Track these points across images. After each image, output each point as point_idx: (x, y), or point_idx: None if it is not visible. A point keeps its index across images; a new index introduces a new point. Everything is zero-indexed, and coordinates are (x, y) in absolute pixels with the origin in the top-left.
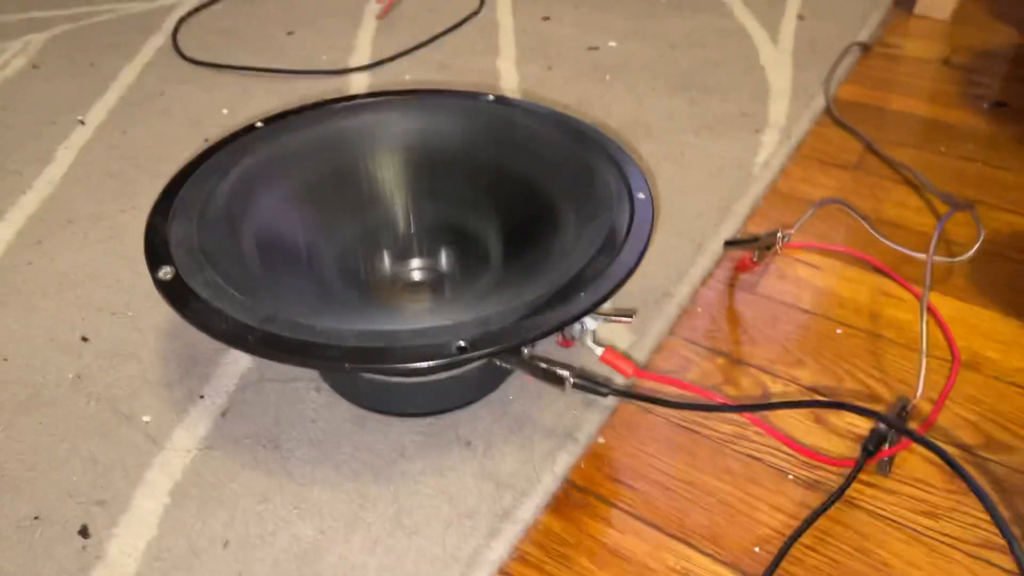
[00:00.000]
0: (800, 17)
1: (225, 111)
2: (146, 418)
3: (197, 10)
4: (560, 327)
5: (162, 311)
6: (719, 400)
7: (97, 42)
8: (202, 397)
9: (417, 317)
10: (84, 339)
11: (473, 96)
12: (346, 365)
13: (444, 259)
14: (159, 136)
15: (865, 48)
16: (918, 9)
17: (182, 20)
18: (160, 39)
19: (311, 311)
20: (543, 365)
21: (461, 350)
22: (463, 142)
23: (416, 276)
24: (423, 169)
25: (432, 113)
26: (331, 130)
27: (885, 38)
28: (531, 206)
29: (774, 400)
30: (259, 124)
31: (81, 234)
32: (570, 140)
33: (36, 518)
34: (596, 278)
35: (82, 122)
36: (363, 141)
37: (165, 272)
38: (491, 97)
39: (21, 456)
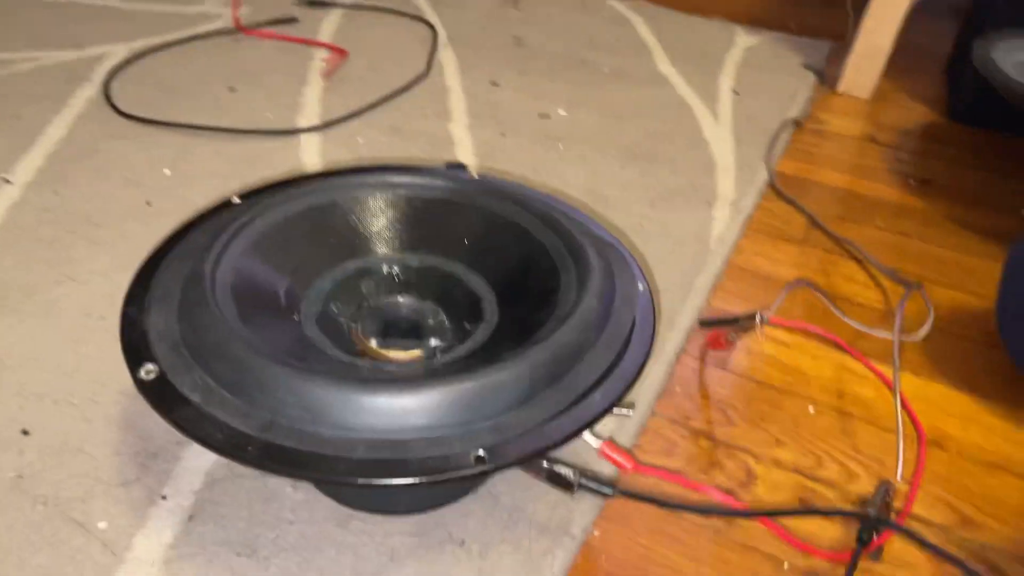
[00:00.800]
0: (735, 92)
1: (167, 171)
2: (102, 524)
3: (128, 62)
4: (577, 433)
5: (111, 399)
6: (725, 500)
7: (21, 93)
8: (164, 498)
9: (427, 410)
10: (25, 432)
11: (456, 169)
12: (359, 480)
13: (436, 312)
14: (95, 198)
15: (797, 124)
16: (841, 87)
17: (114, 72)
18: (90, 90)
19: (311, 413)
20: (547, 466)
21: (479, 460)
22: (449, 206)
23: (405, 327)
24: (411, 221)
25: (419, 178)
26: (315, 201)
27: (815, 114)
28: (525, 263)
29: (760, 486)
30: (235, 199)
31: (13, 309)
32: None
33: None
34: (608, 375)
35: (7, 181)
36: (352, 203)
37: (148, 371)
38: (475, 175)
39: None
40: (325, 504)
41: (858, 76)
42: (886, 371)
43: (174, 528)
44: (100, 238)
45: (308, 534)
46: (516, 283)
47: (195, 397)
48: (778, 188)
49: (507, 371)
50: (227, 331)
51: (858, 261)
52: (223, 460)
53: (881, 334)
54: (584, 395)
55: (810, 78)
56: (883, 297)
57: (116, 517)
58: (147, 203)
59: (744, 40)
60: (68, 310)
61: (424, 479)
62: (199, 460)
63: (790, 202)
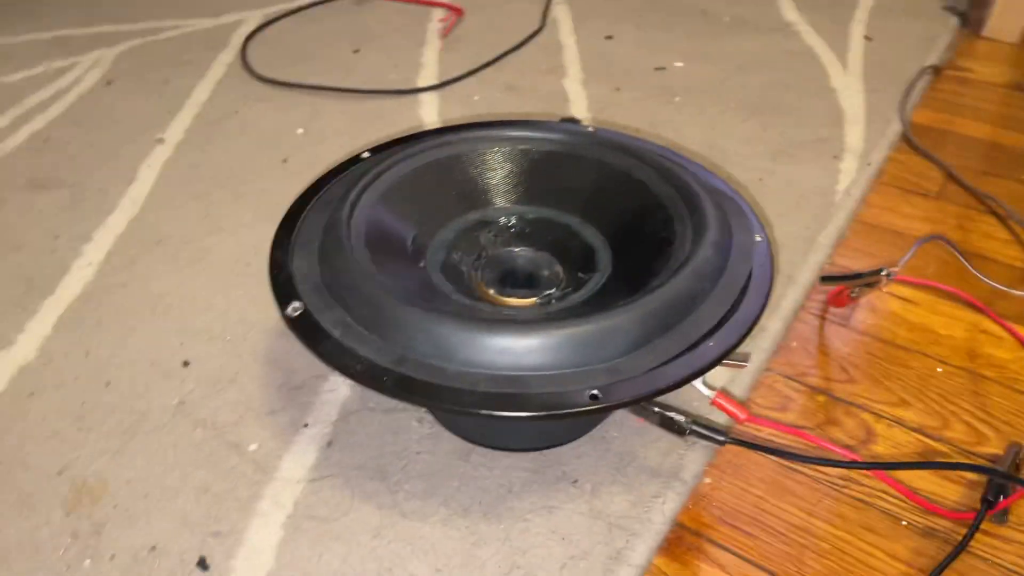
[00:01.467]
0: (867, 38)
1: (300, 131)
2: (252, 446)
3: (262, 27)
4: (690, 379)
5: (258, 336)
6: (847, 456)
7: (167, 59)
8: (306, 426)
9: (545, 350)
10: (185, 364)
11: (572, 123)
12: (481, 411)
13: (551, 262)
14: (238, 156)
15: (936, 71)
16: (986, 31)
17: (249, 37)
18: (229, 56)
19: (438, 350)
20: (658, 410)
21: (594, 399)
22: (564, 159)
23: (522, 276)
24: (528, 174)
25: (534, 132)
26: (438, 155)
27: (955, 61)
28: (640, 215)
29: (881, 445)
30: (366, 154)
31: (171, 256)
32: (676, 170)
33: (153, 549)
34: (722, 325)
35: (161, 141)
36: (473, 156)
37: (294, 308)
38: (590, 128)
39: (132, 484)
40: (449, 439)
41: (1006, 18)
42: None
43: (315, 452)
44: (243, 193)
45: (433, 464)
46: (631, 234)
47: (336, 332)
48: (912, 140)
49: (621, 317)
50: (363, 274)
51: (999, 217)
52: (357, 394)
53: (1020, 293)
54: (697, 343)
55: (952, 21)
56: (1022, 254)
57: (265, 441)
58: (283, 161)
59: None
60: (219, 257)
61: (541, 413)
62: (336, 394)
63: (925, 155)
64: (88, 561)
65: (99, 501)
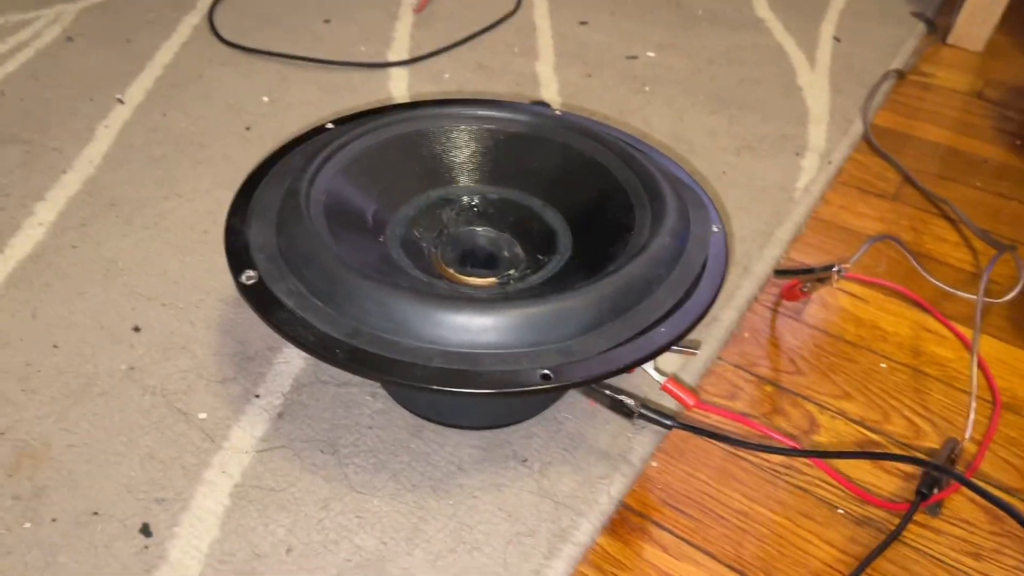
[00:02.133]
0: (836, 39)
1: (265, 99)
2: (202, 415)
3: None
4: (640, 362)
5: (212, 305)
6: (785, 442)
7: (131, 18)
8: (257, 396)
9: (498, 329)
10: (136, 329)
11: (542, 106)
12: (433, 387)
13: (511, 243)
14: (199, 121)
15: (900, 75)
16: (952, 39)
17: (217, 0)
18: (195, 18)
19: (393, 324)
20: (609, 393)
21: (545, 378)
22: (530, 141)
23: (482, 256)
24: (493, 154)
25: (502, 112)
26: (404, 130)
27: (919, 66)
28: (602, 200)
29: (823, 435)
30: (329, 125)
31: (125, 219)
32: (639, 157)
33: (95, 514)
34: (675, 311)
35: (121, 101)
36: (438, 133)
37: (248, 276)
38: (558, 111)
39: (76, 448)
40: (401, 414)
41: (971, 27)
42: (968, 333)
43: (265, 423)
44: (203, 158)
45: (384, 439)
46: (592, 218)
47: (290, 302)
48: (873, 141)
49: (576, 299)
50: (320, 244)
51: (951, 221)
52: (310, 366)
53: (966, 295)
54: (649, 328)
55: (919, 27)
56: (973, 258)
57: (215, 410)
58: (247, 128)
59: None
60: (174, 223)
61: (492, 391)
62: (289, 365)
63: (884, 156)
64: (28, 524)
65: (41, 464)
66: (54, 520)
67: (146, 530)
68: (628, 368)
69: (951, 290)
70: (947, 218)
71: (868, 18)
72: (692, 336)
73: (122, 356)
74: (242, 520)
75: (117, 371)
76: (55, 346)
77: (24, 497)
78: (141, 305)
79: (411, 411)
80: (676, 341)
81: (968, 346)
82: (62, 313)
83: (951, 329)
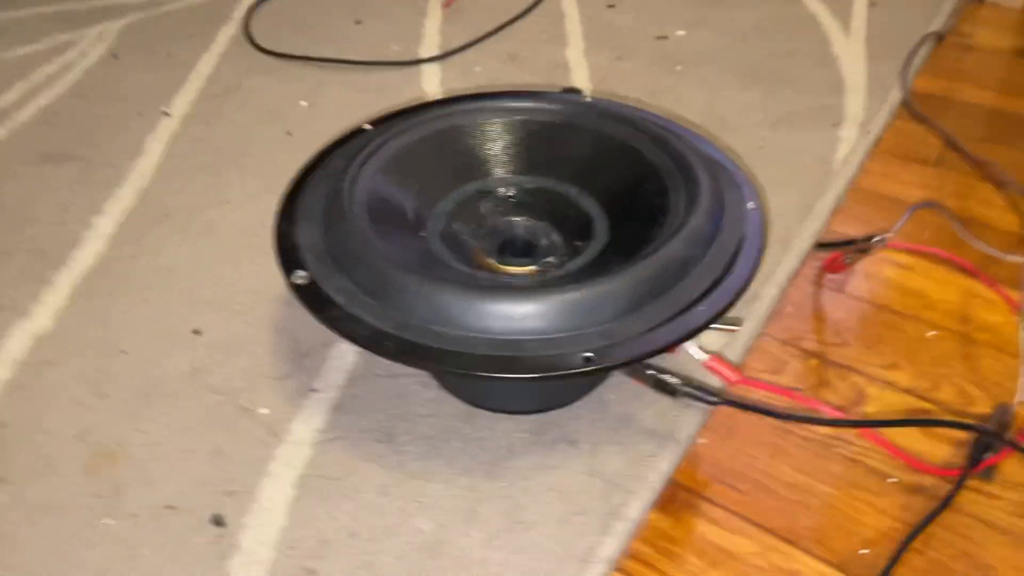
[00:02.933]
0: (872, 4)
1: (303, 103)
2: (264, 410)
3: (264, 0)
4: (680, 341)
5: (265, 305)
6: (832, 414)
7: (171, 32)
8: (314, 391)
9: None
10: (196, 332)
11: (573, 93)
12: (480, 373)
13: (549, 231)
14: (242, 129)
15: (939, 38)
16: None
17: (252, 9)
18: (232, 29)
19: (439, 316)
20: (652, 372)
21: (587, 361)
22: (562, 129)
23: (520, 245)
24: (526, 144)
25: (533, 103)
26: (438, 127)
27: (958, 27)
28: (636, 184)
29: (871, 406)
30: (367, 126)
31: (179, 228)
32: (671, 139)
33: (171, 507)
34: (712, 290)
35: (167, 114)
36: (472, 127)
37: (299, 276)
38: (588, 98)
39: (149, 447)
40: (451, 402)
41: None
42: (1018, 297)
43: (323, 416)
44: (248, 165)
45: (437, 427)
46: (627, 203)
47: (340, 299)
48: (913, 107)
49: (614, 282)
50: (365, 243)
51: (998, 184)
52: (363, 360)
53: (1014, 258)
54: (688, 308)
55: None
56: (1021, 221)
57: (276, 405)
58: (287, 133)
59: None
60: (225, 229)
61: (536, 375)
62: (342, 360)
63: (925, 121)
64: (110, 520)
65: (117, 464)
66: (132, 515)
67: (218, 521)
68: (667, 348)
69: (999, 254)
70: (993, 181)
71: None
72: (733, 313)
73: (186, 358)
74: (307, 508)
75: (182, 373)
76: (123, 352)
77: (104, 495)
78: (200, 309)
79: (461, 399)
80: (714, 320)
81: (1018, 310)
82: (127, 320)
83: (1000, 294)
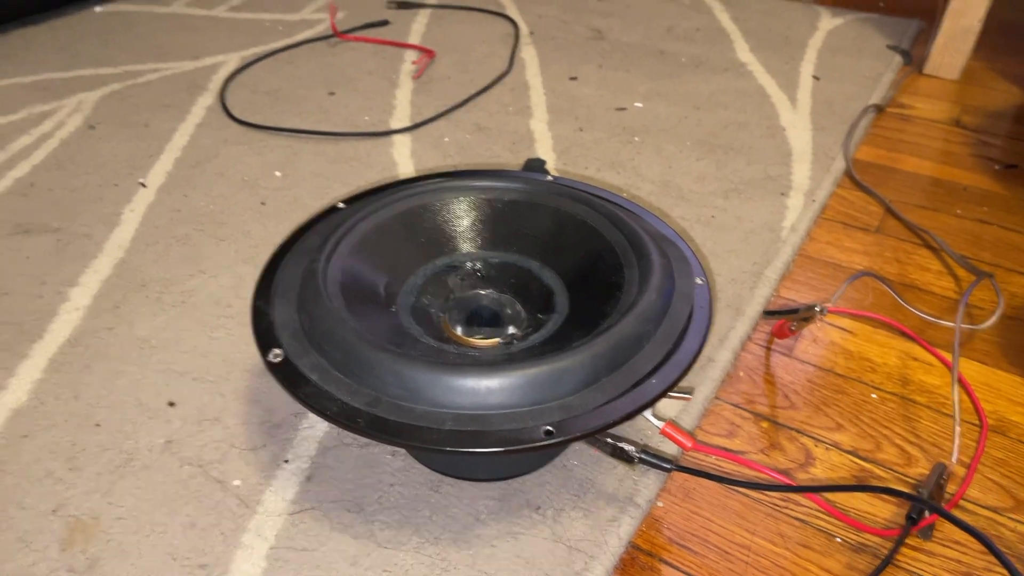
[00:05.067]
0: (815, 78)
1: (278, 174)
2: (236, 482)
3: (240, 70)
4: (635, 414)
5: (239, 375)
6: (782, 480)
7: (148, 102)
8: (286, 462)
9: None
10: (171, 404)
11: (535, 164)
12: (447, 448)
13: (513, 303)
14: (218, 199)
15: (879, 109)
16: (928, 69)
17: (228, 80)
18: (208, 99)
19: (408, 391)
20: (610, 441)
21: (548, 434)
22: (525, 207)
23: (486, 317)
24: (491, 221)
25: (497, 182)
26: (408, 205)
27: (897, 98)
28: (594, 260)
29: (819, 467)
30: (340, 205)
31: (155, 299)
32: (628, 219)
33: None
34: (665, 362)
35: (143, 184)
36: (440, 206)
37: (275, 355)
38: (549, 176)
39: (123, 520)
40: (420, 471)
41: (946, 56)
42: (952, 360)
43: (295, 487)
44: (224, 235)
45: (406, 495)
46: (585, 278)
47: (314, 376)
48: (855, 176)
49: (573, 358)
50: (338, 321)
51: (933, 250)
52: (334, 431)
53: (948, 323)
54: (642, 380)
55: (895, 60)
56: (956, 286)
57: (248, 476)
58: (262, 203)
59: (828, 22)
60: (201, 300)
61: (500, 449)
62: (314, 430)
63: (866, 190)
64: None
65: (92, 538)
66: None
67: None
68: (623, 420)
69: (934, 319)
70: (929, 247)
71: (846, 54)
72: (687, 382)
73: (160, 430)
74: None
75: (156, 445)
76: (97, 424)
77: (78, 570)
78: (175, 381)
79: (429, 467)
80: (667, 391)
81: (951, 372)
82: (102, 393)
83: (937, 356)
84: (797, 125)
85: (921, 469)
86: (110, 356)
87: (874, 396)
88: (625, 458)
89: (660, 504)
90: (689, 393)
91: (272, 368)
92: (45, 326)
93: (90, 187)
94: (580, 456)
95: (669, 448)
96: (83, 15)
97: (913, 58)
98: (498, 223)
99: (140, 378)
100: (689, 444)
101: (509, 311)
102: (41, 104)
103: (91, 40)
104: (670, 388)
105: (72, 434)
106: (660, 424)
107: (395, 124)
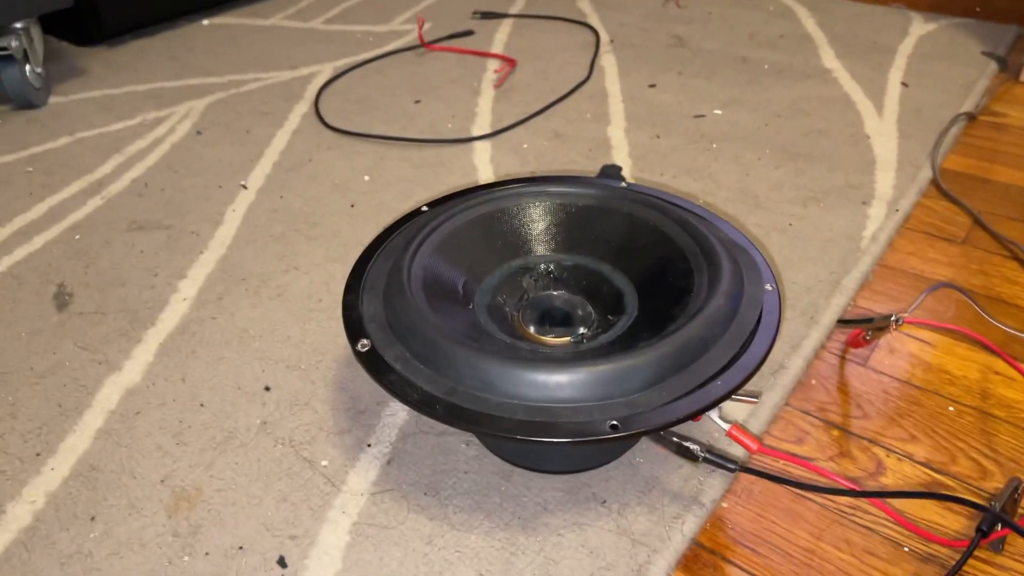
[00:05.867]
0: (904, 84)
1: (367, 178)
2: (324, 462)
3: (333, 79)
4: (698, 413)
5: (328, 365)
6: (846, 485)
7: (250, 109)
8: (369, 446)
9: (572, 385)
10: (267, 388)
11: (611, 170)
12: (517, 436)
13: (584, 305)
14: (311, 201)
15: (971, 117)
16: None
17: (322, 89)
18: (304, 107)
19: (483, 383)
20: (676, 439)
21: (614, 428)
22: (598, 212)
23: (558, 317)
24: (565, 225)
25: (572, 188)
26: (486, 210)
27: (991, 106)
28: (664, 265)
29: (889, 477)
30: (424, 208)
31: (254, 292)
32: (699, 225)
33: (241, 548)
34: (730, 366)
35: (244, 187)
36: (517, 210)
37: (363, 345)
38: (624, 183)
39: (223, 492)
40: (492, 460)
41: None
42: None
43: (377, 469)
44: (316, 235)
45: (479, 483)
46: (655, 281)
47: (397, 366)
48: (942, 186)
49: (640, 357)
50: (421, 316)
51: (1021, 262)
52: (413, 419)
53: None
54: (707, 382)
55: (990, 67)
56: None
57: (335, 458)
58: (351, 205)
59: (920, 27)
60: (294, 294)
61: (567, 440)
62: (396, 418)
63: (954, 200)
64: (187, 558)
65: (195, 507)
66: (207, 554)
67: (282, 562)
68: (684, 419)
69: (1018, 333)
70: (1017, 260)
71: (937, 60)
72: (761, 386)
73: (256, 412)
74: (360, 554)
75: (253, 425)
76: (201, 405)
77: (182, 535)
78: (270, 367)
79: (501, 457)
80: (730, 394)
81: None
82: (206, 376)
83: (1020, 371)
84: (883, 133)
85: (996, 483)
86: (213, 343)
87: (951, 409)
88: (690, 456)
89: (725, 504)
90: (756, 397)
91: (360, 356)
92: (157, 314)
93: (197, 188)
94: (646, 454)
95: (736, 451)
96: (192, 28)
97: (1009, 65)
98: (572, 227)
99: (240, 364)
100: (755, 447)
101: (580, 312)
102: (155, 111)
103: (199, 51)
104: (735, 391)
105: (179, 413)
106: (726, 426)
107: (476, 131)
